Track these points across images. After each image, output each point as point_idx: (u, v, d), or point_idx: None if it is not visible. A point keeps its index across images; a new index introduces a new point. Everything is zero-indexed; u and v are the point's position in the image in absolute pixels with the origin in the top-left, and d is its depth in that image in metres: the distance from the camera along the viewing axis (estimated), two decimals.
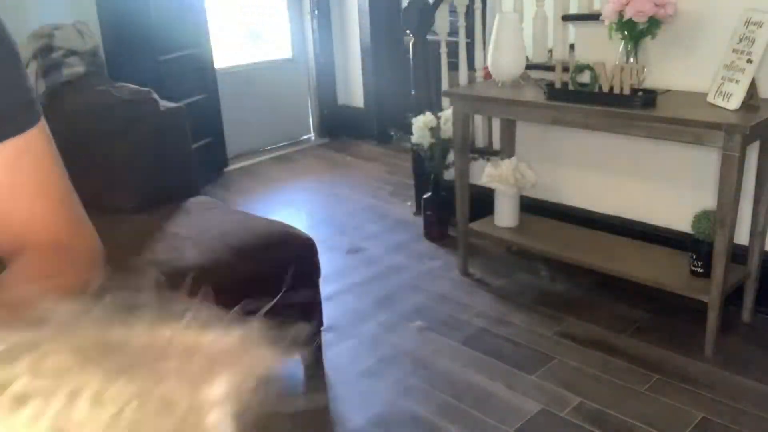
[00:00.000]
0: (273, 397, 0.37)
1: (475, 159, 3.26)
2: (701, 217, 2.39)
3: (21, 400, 0.31)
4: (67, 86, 2.81)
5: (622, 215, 2.90)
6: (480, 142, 3.38)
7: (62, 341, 0.34)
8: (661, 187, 2.75)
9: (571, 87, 2.50)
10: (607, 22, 2.47)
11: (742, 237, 2.47)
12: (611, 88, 2.37)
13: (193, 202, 2.53)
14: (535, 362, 2.37)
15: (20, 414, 0.30)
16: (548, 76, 2.74)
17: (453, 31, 3.38)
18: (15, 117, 0.69)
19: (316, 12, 5.14)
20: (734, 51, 2.21)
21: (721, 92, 2.23)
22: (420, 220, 3.54)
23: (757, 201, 2.42)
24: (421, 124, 3.24)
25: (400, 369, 2.38)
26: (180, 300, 0.40)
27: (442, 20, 3.29)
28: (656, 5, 2.36)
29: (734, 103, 2.17)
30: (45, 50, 2.94)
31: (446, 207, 3.37)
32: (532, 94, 2.63)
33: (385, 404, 2.20)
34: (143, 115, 2.49)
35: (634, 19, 2.37)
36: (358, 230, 3.59)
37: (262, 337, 0.39)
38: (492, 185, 2.95)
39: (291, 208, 4.03)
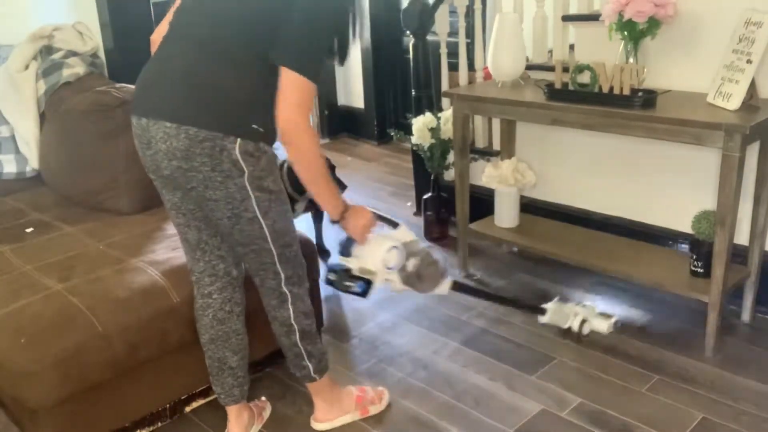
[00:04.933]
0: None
1: (475, 159, 3.27)
2: (701, 218, 2.39)
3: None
4: (67, 87, 2.81)
5: (622, 215, 2.90)
6: (480, 142, 3.38)
7: None
8: (661, 187, 2.75)
9: (570, 87, 2.50)
10: (607, 23, 2.47)
11: (742, 237, 2.47)
12: (611, 89, 2.37)
13: None
14: (535, 362, 2.37)
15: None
16: (548, 76, 2.74)
17: (453, 32, 3.38)
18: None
19: None
20: (734, 51, 2.21)
21: (721, 92, 2.23)
22: (420, 220, 3.54)
23: (757, 201, 2.42)
24: (421, 124, 3.24)
25: (400, 369, 2.38)
26: None
27: (442, 20, 3.28)
28: (656, 5, 2.36)
29: (734, 103, 2.18)
30: (45, 51, 2.94)
31: (446, 207, 3.37)
32: (531, 95, 2.64)
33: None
34: None
35: (634, 20, 2.37)
36: None
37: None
38: (492, 185, 2.95)
39: None
